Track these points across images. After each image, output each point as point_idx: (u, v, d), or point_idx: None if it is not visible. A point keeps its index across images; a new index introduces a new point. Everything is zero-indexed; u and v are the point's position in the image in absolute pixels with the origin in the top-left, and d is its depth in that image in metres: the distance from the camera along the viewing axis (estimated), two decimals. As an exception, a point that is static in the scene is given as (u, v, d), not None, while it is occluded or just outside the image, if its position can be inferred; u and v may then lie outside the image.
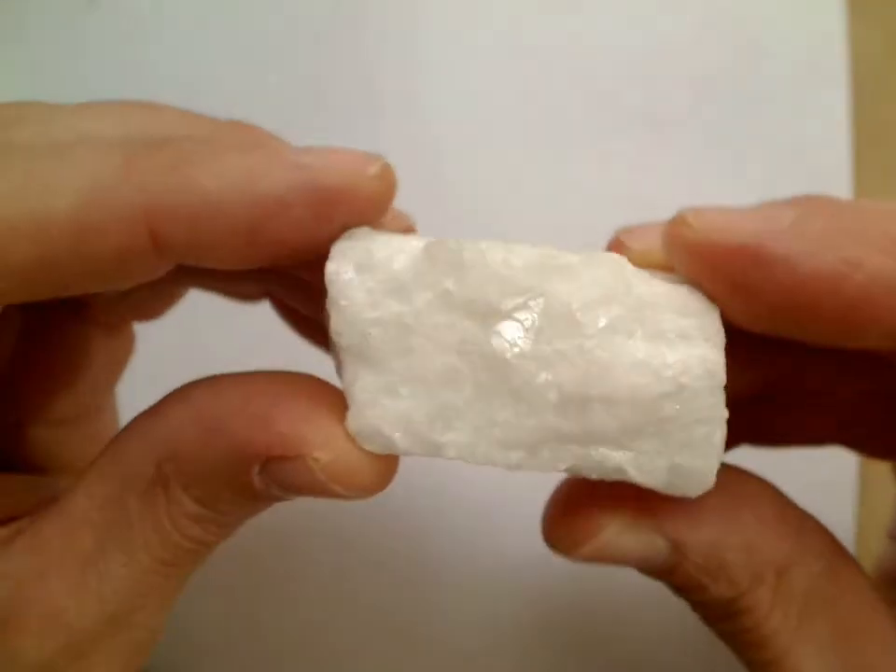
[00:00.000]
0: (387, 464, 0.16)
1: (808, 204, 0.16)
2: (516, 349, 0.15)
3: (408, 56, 0.33)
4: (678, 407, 0.15)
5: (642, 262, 0.17)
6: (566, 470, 0.16)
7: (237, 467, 0.16)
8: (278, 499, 0.17)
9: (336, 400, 0.16)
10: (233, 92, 0.33)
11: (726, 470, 0.17)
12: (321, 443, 0.15)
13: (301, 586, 0.30)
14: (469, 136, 0.32)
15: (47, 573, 0.16)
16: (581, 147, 0.32)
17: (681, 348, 0.15)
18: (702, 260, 0.16)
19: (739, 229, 0.15)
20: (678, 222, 0.16)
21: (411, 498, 0.29)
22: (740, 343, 0.16)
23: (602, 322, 0.15)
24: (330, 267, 0.16)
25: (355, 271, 0.16)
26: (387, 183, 0.16)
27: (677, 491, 0.15)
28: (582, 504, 0.17)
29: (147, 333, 0.24)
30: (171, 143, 0.16)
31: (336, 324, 0.16)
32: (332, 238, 0.16)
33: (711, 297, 0.16)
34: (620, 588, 0.28)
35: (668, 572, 0.17)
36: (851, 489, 0.29)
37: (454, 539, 0.30)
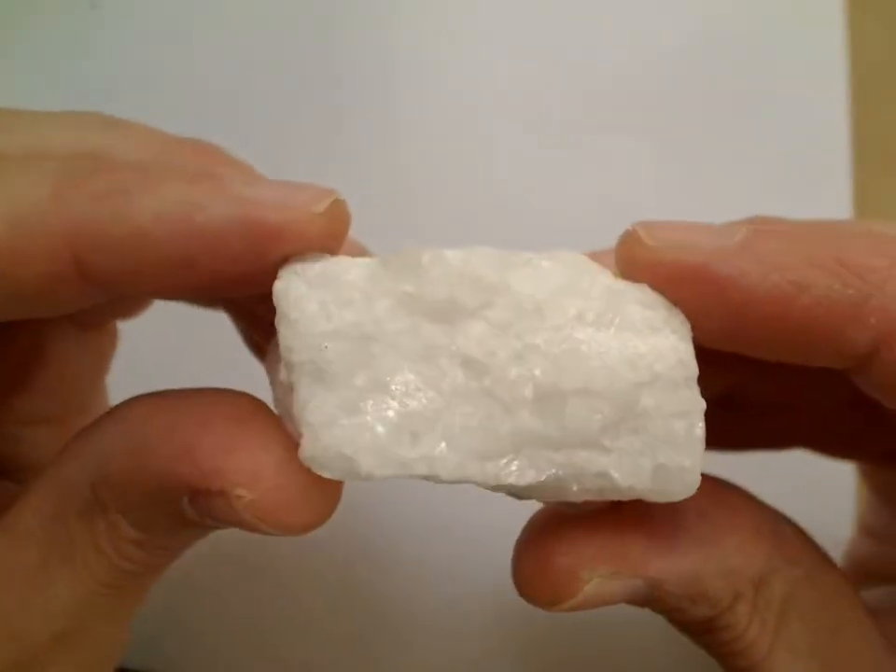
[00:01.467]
0: (324, 500, 0.15)
1: (760, 223, 0.16)
2: (485, 348, 0.14)
3: (405, 55, 0.33)
4: (655, 397, 0.15)
5: None
6: (546, 483, 0.15)
7: (165, 496, 0.15)
8: (216, 528, 0.16)
9: (272, 427, 0.15)
10: (233, 93, 0.33)
11: (701, 482, 0.17)
12: (245, 479, 0.14)
13: (303, 586, 0.30)
14: (467, 136, 0.32)
15: None
16: (579, 148, 0.32)
17: (651, 339, 0.15)
18: (655, 279, 0.15)
19: (690, 247, 0.15)
20: (630, 240, 0.16)
21: (412, 495, 0.29)
22: (699, 349, 0.16)
23: (571, 312, 0.15)
24: (279, 285, 0.15)
25: (306, 285, 0.15)
26: (337, 221, 0.15)
27: (661, 496, 0.15)
28: (556, 553, 0.16)
29: (136, 329, 0.24)
30: (108, 168, 0.15)
31: (287, 339, 0.14)
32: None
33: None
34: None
35: (648, 604, 0.17)
36: (851, 489, 0.29)
37: (451, 545, 0.30)
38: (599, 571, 0.16)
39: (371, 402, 0.14)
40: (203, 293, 0.16)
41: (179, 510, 0.15)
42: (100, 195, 0.15)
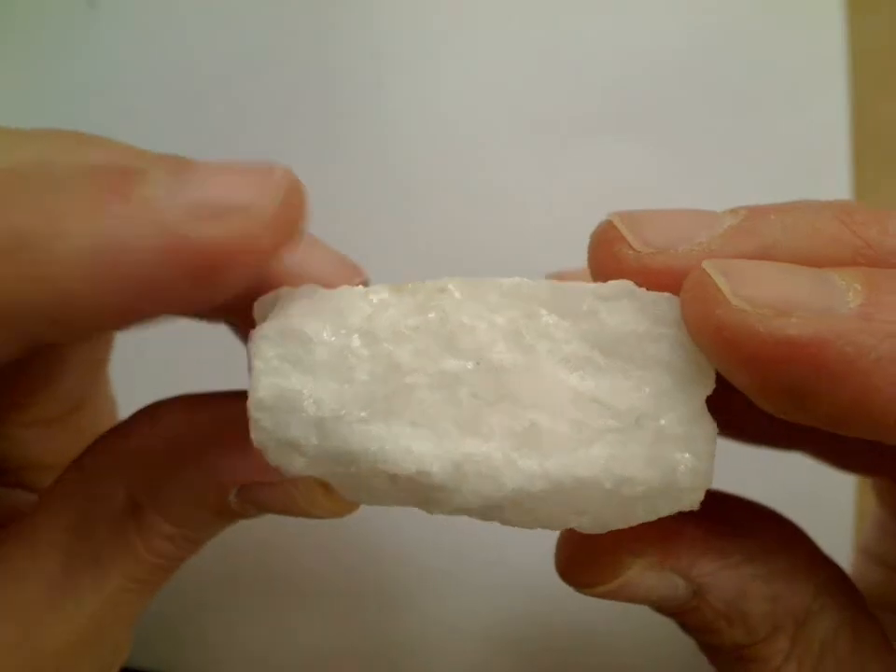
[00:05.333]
0: None
1: (873, 272, 0.12)
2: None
3: (404, 54, 0.33)
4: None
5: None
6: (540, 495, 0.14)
7: (214, 492, 0.16)
8: (254, 516, 0.17)
9: None
10: (232, 92, 0.33)
11: (757, 511, 0.17)
12: None
13: (301, 587, 0.30)
14: (464, 138, 0.32)
15: (12, 596, 0.16)
16: (579, 148, 0.32)
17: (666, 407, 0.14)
18: (732, 352, 0.12)
19: (791, 310, 0.12)
20: (708, 294, 0.12)
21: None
22: None
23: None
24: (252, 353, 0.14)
25: (295, 371, 0.14)
26: (292, 220, 0.12)
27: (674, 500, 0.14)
28: (603, 540, 0.15)
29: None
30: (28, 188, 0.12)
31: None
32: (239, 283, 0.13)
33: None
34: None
35: (684, 613, 0.16)
36: (851, 490, 0.29)
37: (450, 547, 0.30)
38: (643, 558, 0.16)
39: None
40: (154, 322, 0.14)
41: (224, 502, 0.16)
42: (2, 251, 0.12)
